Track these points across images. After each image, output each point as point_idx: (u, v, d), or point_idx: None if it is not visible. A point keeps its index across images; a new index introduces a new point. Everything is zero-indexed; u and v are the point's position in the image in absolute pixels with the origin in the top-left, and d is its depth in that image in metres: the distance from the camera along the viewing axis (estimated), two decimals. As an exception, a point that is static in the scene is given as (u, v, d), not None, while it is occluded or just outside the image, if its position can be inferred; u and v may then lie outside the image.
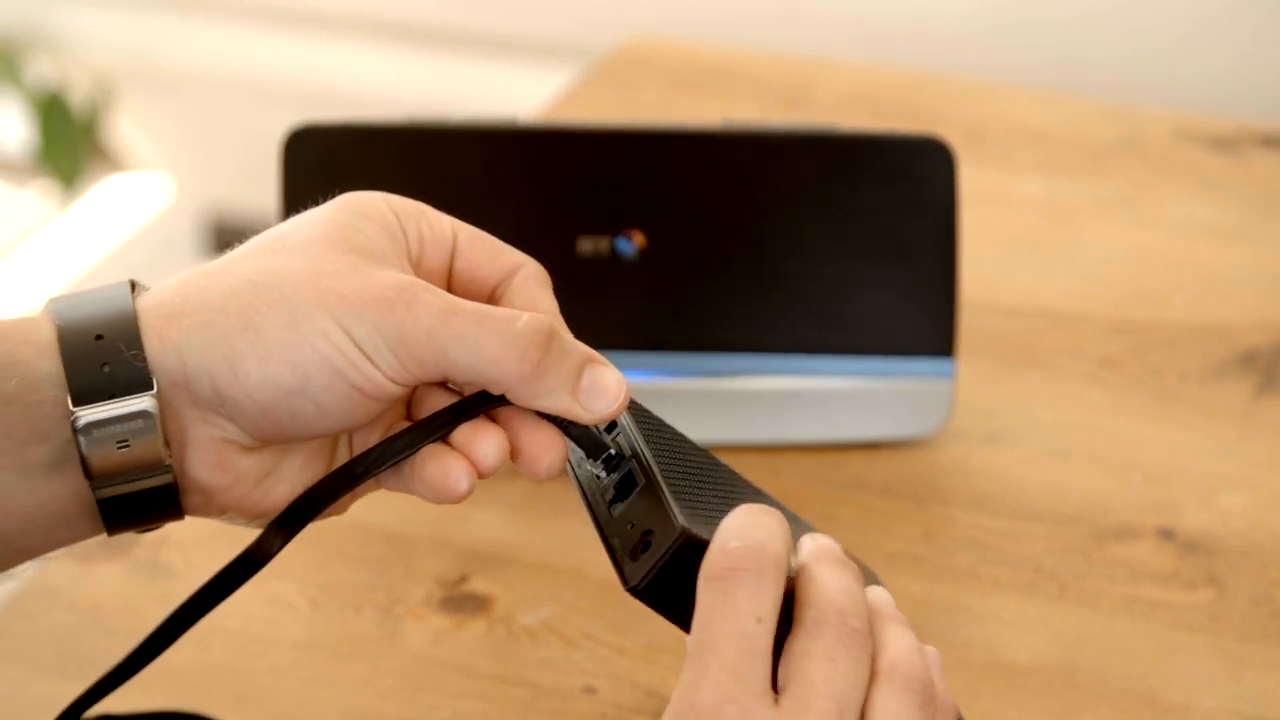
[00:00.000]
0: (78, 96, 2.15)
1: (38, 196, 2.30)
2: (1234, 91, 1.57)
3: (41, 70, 2.17)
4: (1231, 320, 0.94)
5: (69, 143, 2.16)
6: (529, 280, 0.60)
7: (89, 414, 0.55)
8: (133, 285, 0.58)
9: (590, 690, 0.73)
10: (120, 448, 0.56)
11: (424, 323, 0.55)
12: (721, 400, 0.85)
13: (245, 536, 0.81)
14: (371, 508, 0.83)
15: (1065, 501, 0.82)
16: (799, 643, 0.53)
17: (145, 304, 0.57)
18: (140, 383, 0.56)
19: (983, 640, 0.75)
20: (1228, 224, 1.02)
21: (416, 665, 0.74)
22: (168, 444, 0.57)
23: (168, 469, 0.57)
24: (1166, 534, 0.80)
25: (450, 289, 0.59)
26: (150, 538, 0.81)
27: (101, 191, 2.41)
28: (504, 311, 0.56)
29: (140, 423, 0.56)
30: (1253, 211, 1.03)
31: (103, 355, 0.56)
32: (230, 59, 2.16)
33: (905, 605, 0.77)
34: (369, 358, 0.55)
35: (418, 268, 0.58)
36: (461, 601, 0.77)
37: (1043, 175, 1.07)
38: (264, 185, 1.28)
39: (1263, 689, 0.73)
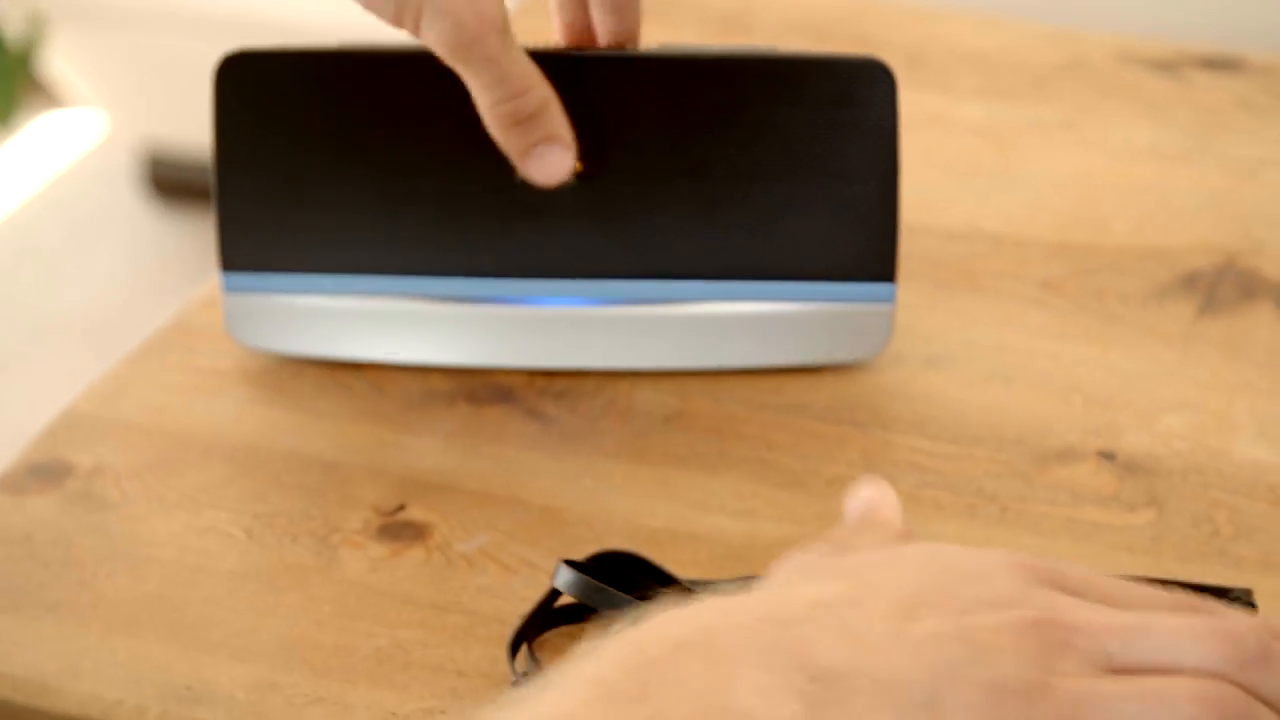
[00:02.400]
0: (11, 31, 2.12)
1: (-29, 133, 2.28)
2: (1174, 14, 1.57)
3: (-27, 4, 2.14)
4: (1173, 243, 0.94)
5: (2, 79, 2.14)
6: None
7: None
8: None
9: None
10: None
11: (468, 35, 0.75)
12: (660, 326, 0.84)
13: (178, 469, 0.80)
14: (308, 437, 0.82)
15: (1006, 425, 0.82)
16: None
17: None
18: None
19: (924, 563, 0.75)
20: (1169, 147, 1.02)
21: (354, 593, 0.73)
22: None
23: None
24: (1107, 456, 0.80)
25: None
26: (84, 469, 0.80)
27: (36, 127, 2.39)
28: (507, 80, 0.76)
29: None
30: (1194, 135, 1.03)
31: None
32: (165, -9, 2.14)
33: (846, 529, 0.77)
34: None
35: None
36: (399, 529, 0.76)
37: (984, 99, 1.06)
38: (199, 119, 1.26)
39: (1203, 609, 0.73)
